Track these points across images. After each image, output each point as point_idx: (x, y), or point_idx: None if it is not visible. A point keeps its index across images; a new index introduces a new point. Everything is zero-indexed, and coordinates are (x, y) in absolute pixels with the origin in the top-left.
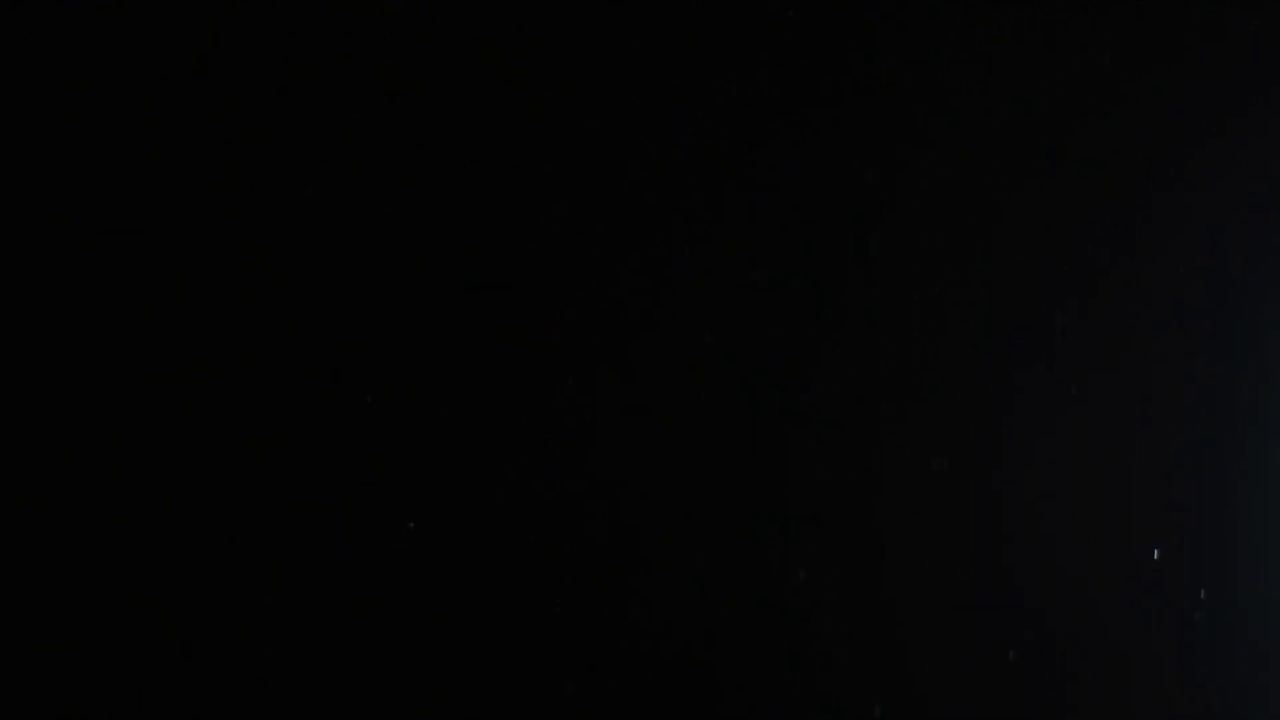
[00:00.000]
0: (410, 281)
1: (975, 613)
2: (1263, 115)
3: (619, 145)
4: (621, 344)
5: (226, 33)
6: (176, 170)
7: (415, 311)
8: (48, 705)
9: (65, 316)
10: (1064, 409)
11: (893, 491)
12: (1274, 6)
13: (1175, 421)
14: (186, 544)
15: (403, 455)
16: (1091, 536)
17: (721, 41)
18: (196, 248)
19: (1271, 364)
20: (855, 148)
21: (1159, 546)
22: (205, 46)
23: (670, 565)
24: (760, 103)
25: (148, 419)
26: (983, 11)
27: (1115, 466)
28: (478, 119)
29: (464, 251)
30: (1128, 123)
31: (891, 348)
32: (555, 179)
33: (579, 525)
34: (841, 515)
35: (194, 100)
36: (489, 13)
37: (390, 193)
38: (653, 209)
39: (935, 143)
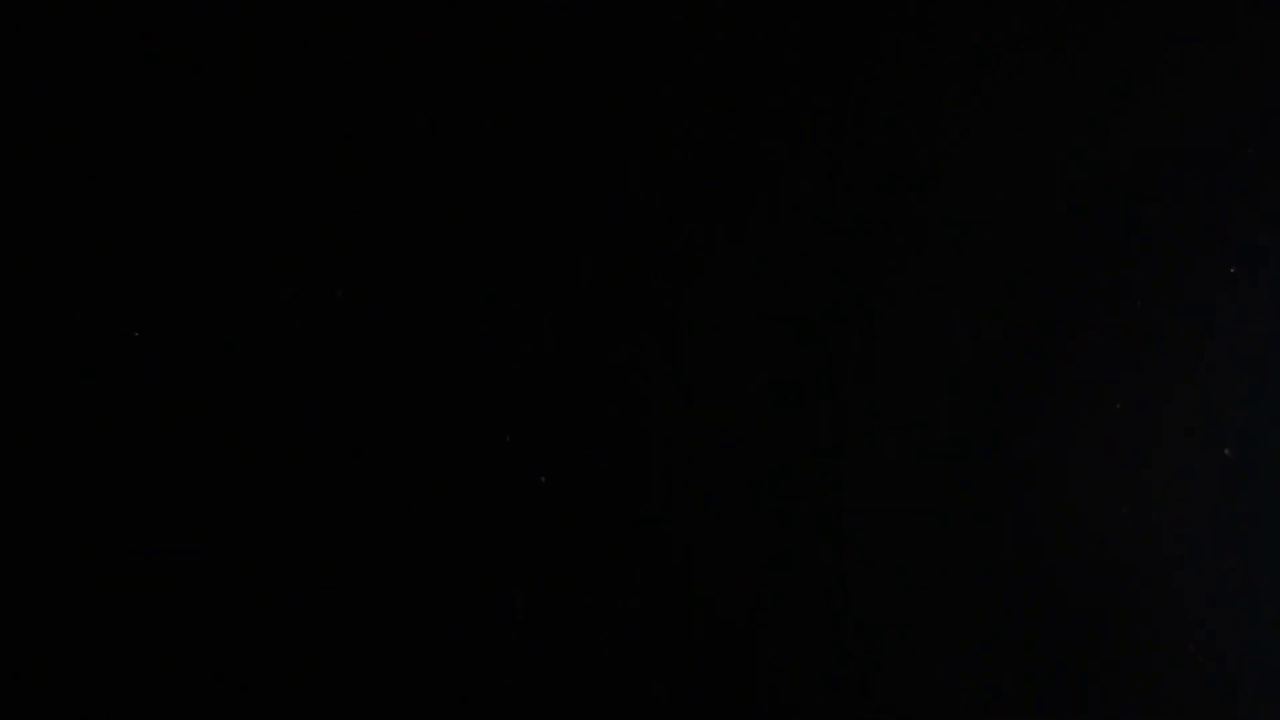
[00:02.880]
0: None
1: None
2: None
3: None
4: (671, 341)
5: (226, 33)
6: (177, 170)
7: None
8: (48, 705)
9: (65, 316)
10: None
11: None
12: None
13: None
14: (201, 542)
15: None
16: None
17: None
18: (200, 248)
19: None
20: (884, 157)
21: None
22: (205, 47)
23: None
24: (818, 104)
25: (152, 418)
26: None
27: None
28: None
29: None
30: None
31: (930, 350)
32: (614, 181)
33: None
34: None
35: (194, 100)
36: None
37: (412, 193)
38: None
39: (952, 152)
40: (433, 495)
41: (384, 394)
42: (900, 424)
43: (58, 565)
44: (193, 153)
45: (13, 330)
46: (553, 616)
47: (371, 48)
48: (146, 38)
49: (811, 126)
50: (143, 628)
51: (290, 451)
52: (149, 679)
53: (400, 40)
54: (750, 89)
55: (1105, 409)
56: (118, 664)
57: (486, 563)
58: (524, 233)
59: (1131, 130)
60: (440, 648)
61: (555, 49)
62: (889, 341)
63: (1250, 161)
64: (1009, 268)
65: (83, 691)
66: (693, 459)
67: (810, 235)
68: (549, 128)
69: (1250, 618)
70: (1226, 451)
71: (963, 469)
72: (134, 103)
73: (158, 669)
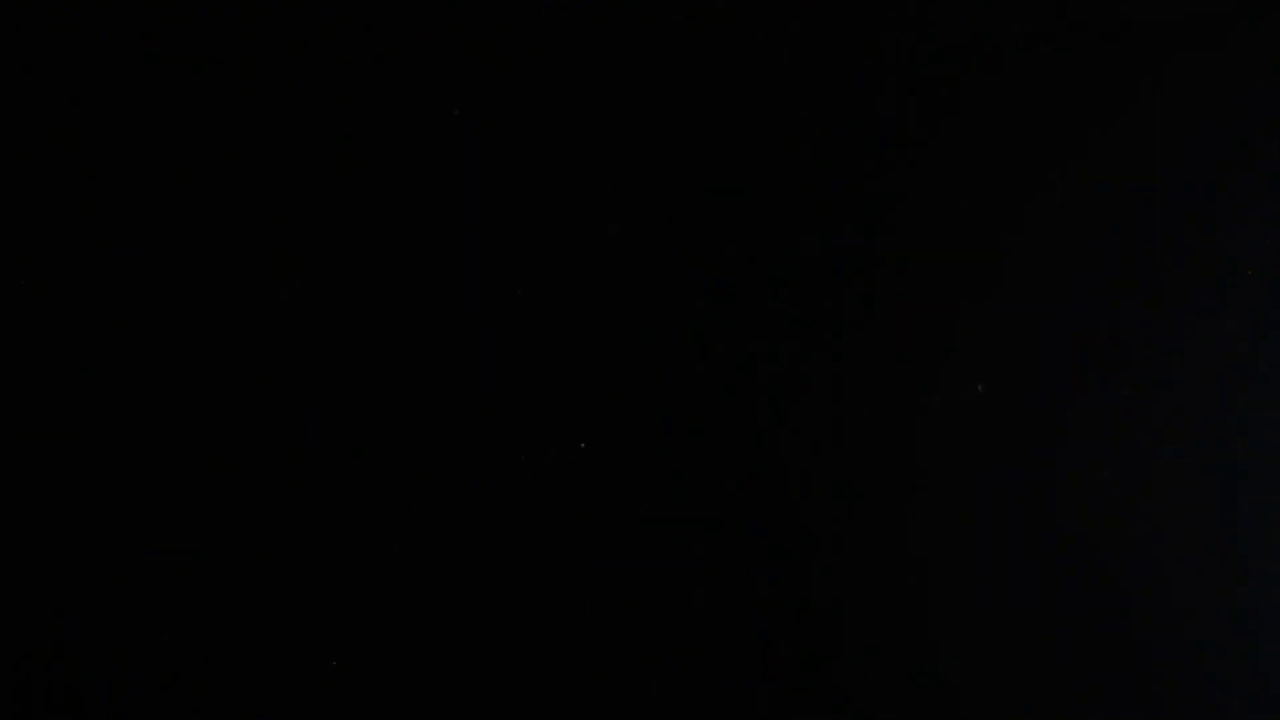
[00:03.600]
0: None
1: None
2: None
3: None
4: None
5: (226, 33)
6: (177, 170)
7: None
8: (48, 705)
9: (66, 317)
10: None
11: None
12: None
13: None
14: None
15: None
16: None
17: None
18: (201, 247)
19: None
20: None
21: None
22: (205, 47)
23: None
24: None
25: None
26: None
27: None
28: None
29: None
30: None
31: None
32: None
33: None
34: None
35: (194, 100)
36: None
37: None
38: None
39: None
40: (441, 495)
41: (393, 390)
42: (899, 422)
43: (57, 565)
44: (193, 153)
45: (12, 330)
46: (553, 617)
47: (377, 48)
48: (147, 38)
49: (809, 122)
50: (142, 628)
51: (292, 450)
52: (148, 679)
53: (403, 40)
54: (750, 86)
55: (1105, 407)
56: (116, 664)
57: (492, 560)
58: (533, 229)
59: (1130, 127)
60: (451, 646)
61: (556, 50)
62: (887, 339)
63: (1250, 159)
64: (1009, 265)
65: (83, 691)
66: (692, 456)
67: (805, 232)
68: (557, 128)
69: (1252, 619)
70: (1168, 453)
71: (960, 469)
72: (134, 103)
73: (157, 669)
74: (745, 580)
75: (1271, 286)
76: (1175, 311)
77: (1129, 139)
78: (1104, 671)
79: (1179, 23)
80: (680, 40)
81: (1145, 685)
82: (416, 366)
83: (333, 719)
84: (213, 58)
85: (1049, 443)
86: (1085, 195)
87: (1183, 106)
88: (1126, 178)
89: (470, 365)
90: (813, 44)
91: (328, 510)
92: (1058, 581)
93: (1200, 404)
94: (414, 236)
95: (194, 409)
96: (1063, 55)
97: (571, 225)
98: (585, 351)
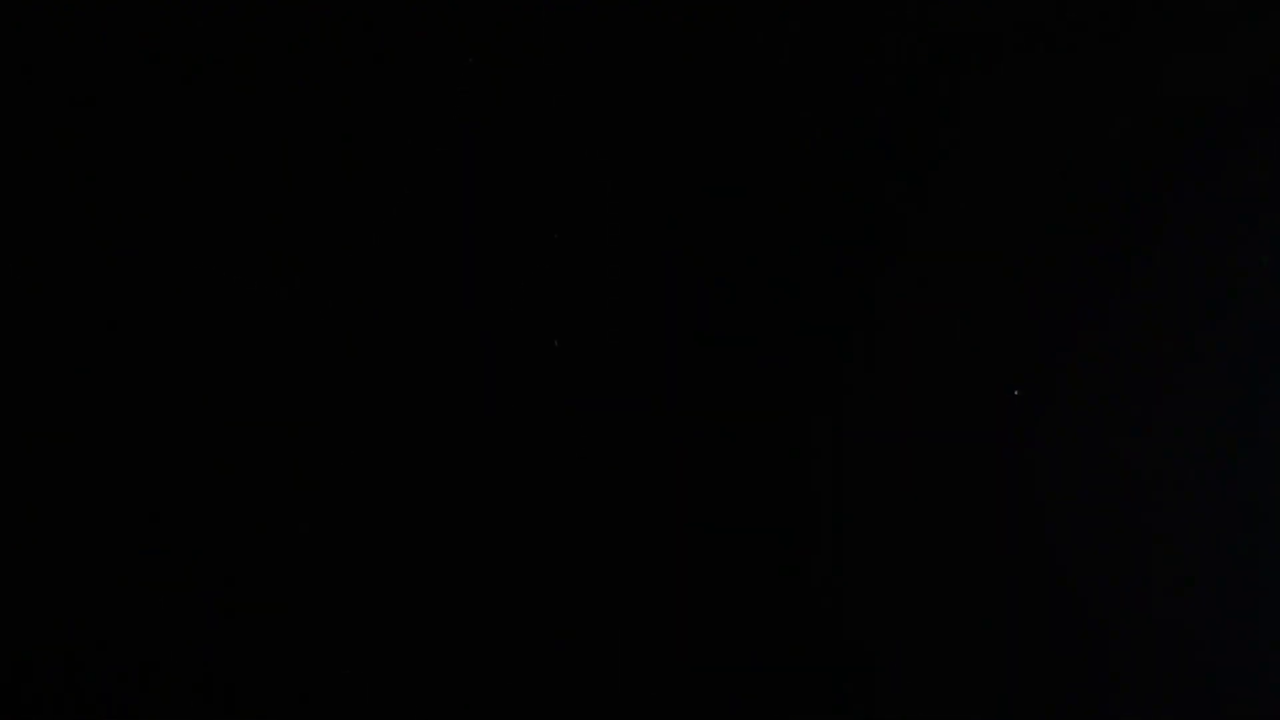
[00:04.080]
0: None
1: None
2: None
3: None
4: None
5: (227, 33)
6: (177, 170)
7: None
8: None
9: (67, 316)
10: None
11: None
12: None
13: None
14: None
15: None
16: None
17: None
18: (201, 247)
19: None
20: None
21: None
22: (205, 47)
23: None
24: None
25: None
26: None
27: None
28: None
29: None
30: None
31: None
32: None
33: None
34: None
35: (194, 100)
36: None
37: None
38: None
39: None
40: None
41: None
42: (898, 422)
43: (57, 565)
44: (193, 152)
45: (12, 330)
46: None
47: (377, 47)
48: (147, 38)
49: (810, 122)
50: (142, 628)
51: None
52: (147, 679)
53: (403, 39)
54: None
55: (1103, 406)
56: (114, 665)
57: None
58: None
59: (1130, 127)
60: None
61: (557, 50)
62: (885, 338)
63: (1250, 159)
64: (1009, 265)
65: (82, 692)
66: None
67: (805, 232)
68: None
69: (1250, 619)
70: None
71: (960, 468)
72: (134, 103)
73: (157, 669)
74: (745, 580)
75: (1272, 286)
76: (1175, 311)
77: (1129, 139)
78: (1104, 671)
79: (1179, 23)
80: (680, 40)
81: (1145, 685)
82: (417, 368)
83: (330, 716)
84: (213, 58)
85: (1049, 441)
86: (1085, 194)
87: (1183, 106)
88: (1127, 177)
89: (469, 365)
90: (813, 44)
91: (321, 498)
92: (1058, 582)
93: (1200, 404)
94: (415, 225)
95: (194, 408)
96: (1063, 55)
97: (571, 226)
98: (584, 351)
